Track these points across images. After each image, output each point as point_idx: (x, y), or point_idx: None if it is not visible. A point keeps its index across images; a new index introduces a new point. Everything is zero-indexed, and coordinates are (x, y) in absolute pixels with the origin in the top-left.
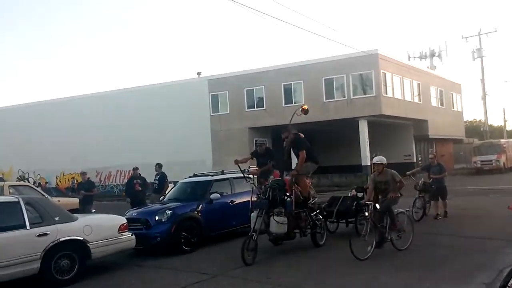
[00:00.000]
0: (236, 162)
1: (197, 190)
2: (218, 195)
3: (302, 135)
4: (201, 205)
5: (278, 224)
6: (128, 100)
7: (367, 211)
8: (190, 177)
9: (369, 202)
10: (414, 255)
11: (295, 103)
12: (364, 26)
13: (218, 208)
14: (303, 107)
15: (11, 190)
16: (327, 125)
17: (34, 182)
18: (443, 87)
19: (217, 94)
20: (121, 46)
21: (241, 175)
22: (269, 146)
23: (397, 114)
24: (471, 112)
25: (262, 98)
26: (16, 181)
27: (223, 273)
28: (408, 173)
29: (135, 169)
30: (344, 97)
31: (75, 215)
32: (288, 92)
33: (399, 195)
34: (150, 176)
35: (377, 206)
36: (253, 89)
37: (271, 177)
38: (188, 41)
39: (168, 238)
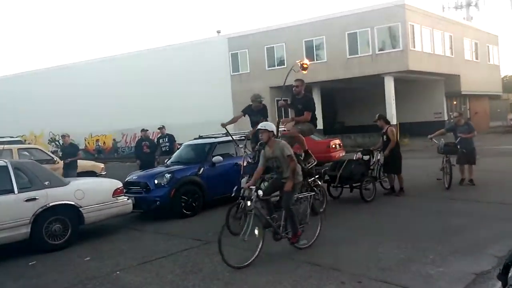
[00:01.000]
0: (224, 125)
1: (199, 153)
2: (221, 158)
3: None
4: (202, 168)
5: None
6: (148, 61)
7: (249, 200)
8: (195, 139)
9: (252, 187)
10: (425, 223)
11: (317, 60)
12: None
13: (221, 171)
14: (302, 63)
15: (25, 153)
16: (351, 83)
17: (63, 144)
18: (478, 39)
19: (237, 53)
20: (140, 5)
21: (250, 137)
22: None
23: (426, 70)
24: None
25: (283, 55)
26: (48, 143)
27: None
28: (430, 136)
29: (144, 130)
30: (369, 52)
31: (67, 179)
32: (309, 49)
33: (300, 180)
34: (184, 136)
35: (260, 193)
36: (273, 46)
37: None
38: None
39: (167, 202)
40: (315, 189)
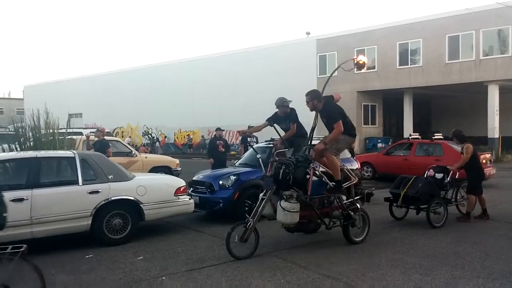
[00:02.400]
0: (242, 132)
1: (268, 156)
2: None
3: (337, 97)
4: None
5: (284, 211)
6: (237, 62)
7: None
8: (266, 141)
9: None
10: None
11: (411, 64)
12: None
13: None
14: (358, 61)
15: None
16: (449, 90)
17: (153, 137)
18: None
19: (325, 55)
20: (232, 7)
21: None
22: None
23: None
24: None
25: (374, 58)
26: (142, 135)
27: (272, 251)
28: None
29: (219, 130)
30: (472, 57)
31: (132, 174)
32: (403, 52)
33: None
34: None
35: None
36: (364, 49)
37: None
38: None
39: (230, 204)
40: (352, 214)
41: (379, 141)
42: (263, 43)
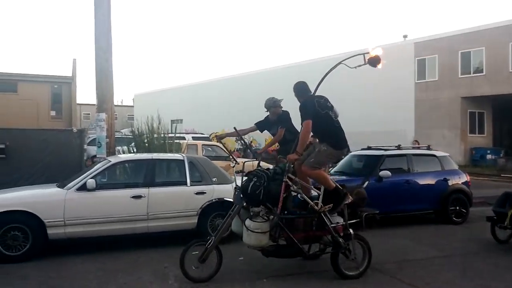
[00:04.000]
0: (218, 137)
1: (365, 165)
2: (389, 173)
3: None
4: (367, 182)
5: (248, 231)
6: (327, 68)
7: None
8: (363, 149)
9: None
10: None
11: None
12: None
13: (388, 188)
14: (371, 56)
15: (208, 149)
16: None
17: (245, 143)
18: None
19: (425, 58)
20: (319, 12)
21: (424, 152)
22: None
23: None
24: None
25: (482, 61)
26: (235, 140)
27: (374, 263)
28: None
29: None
30: None
31: (232, 178)
32: None
33: None
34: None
35: None
36: (470, 51)
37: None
38: (395, 3)
39: None
40: (341, 241)
41: (488, 151)
42: (358, 47)
